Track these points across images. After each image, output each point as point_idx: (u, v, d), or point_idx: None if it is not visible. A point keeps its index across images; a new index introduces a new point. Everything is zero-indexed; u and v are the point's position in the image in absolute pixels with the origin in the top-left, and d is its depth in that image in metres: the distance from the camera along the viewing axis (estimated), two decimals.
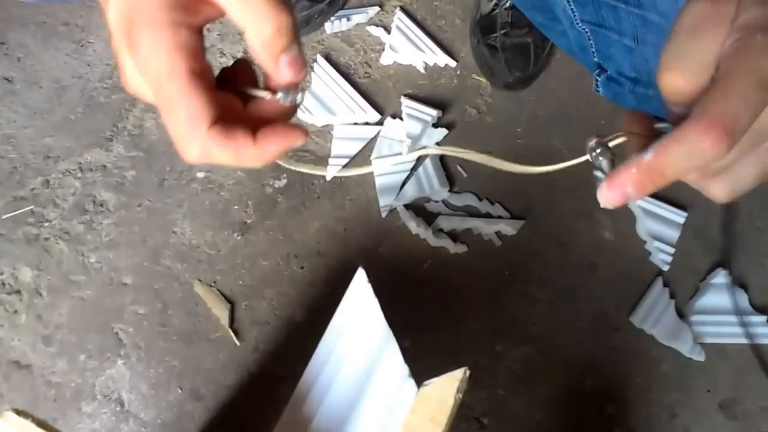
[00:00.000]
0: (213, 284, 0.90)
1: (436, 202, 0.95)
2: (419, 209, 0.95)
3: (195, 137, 0.30)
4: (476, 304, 0.89)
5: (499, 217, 0.93)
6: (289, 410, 0.43)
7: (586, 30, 0.63)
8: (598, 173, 0.31)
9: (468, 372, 0.39)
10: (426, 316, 0.89)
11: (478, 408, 0.84)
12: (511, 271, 0.91)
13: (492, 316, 0.89)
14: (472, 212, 0.95)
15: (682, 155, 0.29)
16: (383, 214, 0.94)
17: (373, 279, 0.90)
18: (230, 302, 0.89)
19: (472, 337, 0.88)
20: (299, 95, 0.33)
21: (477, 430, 0.83)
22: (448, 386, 0.38)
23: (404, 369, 0.39)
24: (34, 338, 0.88)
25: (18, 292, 0.90)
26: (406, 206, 0.94)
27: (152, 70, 0.29)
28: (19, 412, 0.50)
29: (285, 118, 0.35)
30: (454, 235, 0.92)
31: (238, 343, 0.87)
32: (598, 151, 0.31)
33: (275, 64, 0.32)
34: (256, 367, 0.86)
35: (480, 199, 0.95)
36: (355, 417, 0.39)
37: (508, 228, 0.92)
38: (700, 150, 0.28)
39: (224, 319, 0.88)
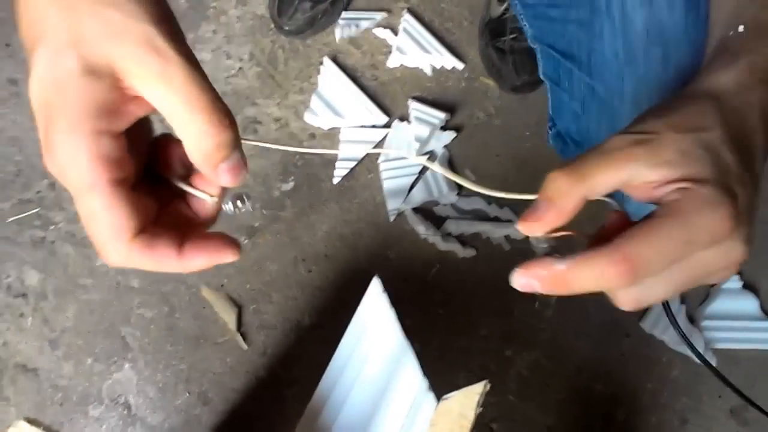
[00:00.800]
0: (220, 288, 0.90)
1: (445, 205, 0.95)
2: (427, 213, 0.94)
3: (116, 248, 0.29)
4: (485, 309, 0.89)
5: (508, 221, 0.92)
6: (304, 423, 0.42)
7: (546, 83, 0.65)
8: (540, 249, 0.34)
9: (488, 386, 0.38)
10: (435, 321, 0.88)
11: (488, 414, 0.83)
12: None
13: (502, 321, 0.88)
14: (480, 216, 0.94)
15: (589, 277, 0.31)
16: (391, 218, 0.93)
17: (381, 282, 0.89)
18: (237, 306, 0.89)
19: (481, 341, 0.87)
20: (246, 203, 0.31)
21: None
22: (468, 400, 0.38)
23: (423, 382, 0.38)
24: (41, 342, 0.87)
25: (24, 295, 0.89)
26: (414, 210, 0.93)
27: (71, 181, 0.28)
28: (30, 421, 0.49)
29: (213, 218, 0.35)
30: (462, 239, 0.92)
31: (245, 347, 0.86)
32: (539, 237, 0.33)
33: (213, 172, 0.31)
34: (263, 371, 0.85)
35: (489, 203, 0.94)
36: (373, 430, 0.39)
37: (517, 232, 0.91)
38: (606, 278, 0.31)
39: (231, 323, 0.87)
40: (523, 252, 0.92)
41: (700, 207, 0.31)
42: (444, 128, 0.99)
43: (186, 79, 0.29)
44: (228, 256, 0.32)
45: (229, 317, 0.87)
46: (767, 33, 0.35)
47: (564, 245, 0.91)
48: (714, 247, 0.32)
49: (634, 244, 0.31)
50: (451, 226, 0.92)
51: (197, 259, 0.31)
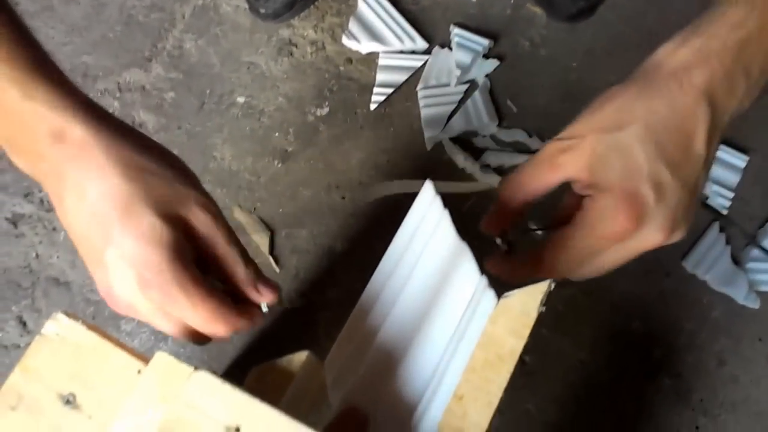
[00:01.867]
0: (253, 211, 0.89)
1: (484, 136, 0.91)
2: (466, 144, 0.91)
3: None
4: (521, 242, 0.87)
5: None
6: (351, 324, 0.41)
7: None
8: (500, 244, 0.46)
9: (554, 285, 0.37)
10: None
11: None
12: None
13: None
14: (520, 149, 0.91)
15: (526, 275, 0.41)
16: (428, 147, 0.90)
17: None
18: (270, 230, 0.87)
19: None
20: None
21: (519, 367, 0.81)
22: (531, 298, 0.36)
23: (483, 279, 0.36)
24: (73, 256, 0.87)
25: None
26: (452, 140, 0.91)
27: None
28: (69, 315, 0.49)
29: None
30: (501, 172, 0.89)
31: (278, 270, 0.85)
32: (499, 241, 0.46)
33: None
34: (295, 294, 0.84)
35: (530, 136, 0.91)
36: (428, 327, 0.37)
37: None
38: (537, 276, 0.40)
39: (264, 246, 0.86)
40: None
41: (598, 218, 0.37)
42: (486, 56, 0.95)
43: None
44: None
45: (261, 240, 0.86)
46: (727, 19, 0.36)
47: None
48: (625, 241, 0.37)
49: (550, 252, 0.39)
50: (490, 158, 0.89)
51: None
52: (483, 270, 0.39)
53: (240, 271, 0.40)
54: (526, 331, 0.34)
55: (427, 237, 0.41)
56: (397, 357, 0.37)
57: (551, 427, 0.80)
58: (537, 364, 0.82)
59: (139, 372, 0.46)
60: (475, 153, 0.90)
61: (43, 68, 0.35)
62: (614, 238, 0.36)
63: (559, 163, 0.38)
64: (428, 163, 0.90)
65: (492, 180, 0.88)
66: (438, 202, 0.42)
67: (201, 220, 0.38)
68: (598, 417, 0.80)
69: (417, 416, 0.34)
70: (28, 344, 0.83)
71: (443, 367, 0.35)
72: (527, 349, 0.81)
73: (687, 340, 0.83)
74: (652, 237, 0.36)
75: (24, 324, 0.85)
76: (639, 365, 0.82)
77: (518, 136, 0.91)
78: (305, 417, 0.33)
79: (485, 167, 0.89)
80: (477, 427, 0.33)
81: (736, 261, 0.84)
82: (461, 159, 0.88)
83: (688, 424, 0.79)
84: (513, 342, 0.34)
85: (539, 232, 0.47)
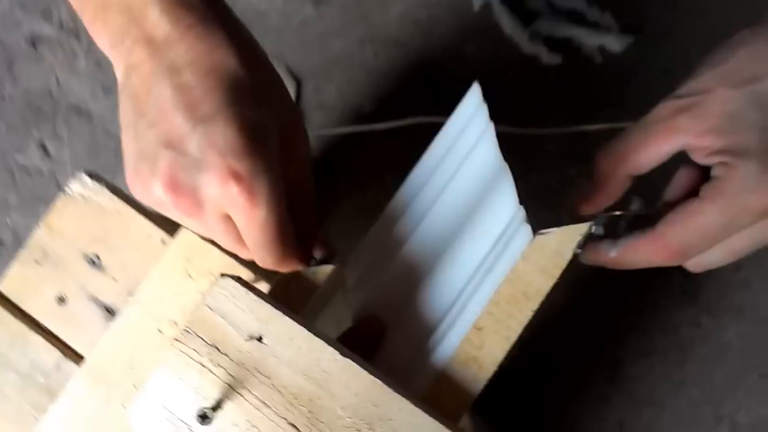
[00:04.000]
0: (281, 57, 0.84)
1: None
2: (517, 7, 0.83)
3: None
4: (557, 124, 0.83)
5: (607, 29, 0.82)
6: (379, 228, 0.40)
7: None
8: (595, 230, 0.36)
9: (594, 228, 0.35)
10: (498, 126, 0.83)
11: (537, 227, 0.82)
12: (605, 94, 0.83)
13: (571, 139, 0.82)
14: (576, 19, 0.83)
15: (638, 262, 0.36)
16: (476, 7, 0.83)
17: (451, 80, 0.82)
18: (297, 80, 0.83)
19: (546, 157, 0.83)
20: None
21: None
22: (567, 238, 0.34)
23: (520, 211, 0.35)
24: (93, 85, 0.85)
25: (76, 34, 0.85)
26: (503, 1, 0.82)
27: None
28: (92, 176, 0.48)
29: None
30: (550, 43, 0.82)
31: None
32: (595, 227, 0.36)
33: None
34: (318, 152, 0.83)
35: (589, 4, 0.82)
36: (456, 250, 0.36)
37: (614, 44, 0.81)
38: (653, 262, 0.35)
39: None
40: (617, 68, 0.82)
41: (740, 188, 0.31)
42: None
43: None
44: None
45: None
46: None
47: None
48: (766, 217, 0.31)
49: (673, 232, 0.33)
50: (543, 25, 0.82)
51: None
52: (521, 196, 0.36)
53: (313, 214, 0.37)
54: (558, 272, 0.33)
55: (467, 149, 0.38)
56: (422, 274, 0.37)
57: (556, 307, 0.82)
58: None
59: (163, 242, 0.46)
60: (526, 19, 0.82)
61: None
62: (760, 211, 0.31)
63: (679, 126, 0.32)
64: (472, 26, 0.83)
65: (539, 51, 0.81)
66: (484, 111, 0.38)
67: (300, 146, 0.35)
68: (602, 300, 0.82)
69: (435, 339, 0.35)
70: (51, 171, 0.84)
71: (467, 296, 0.34)
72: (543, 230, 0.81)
73: None
74: None
75: (45, 149, 0.85)
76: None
77: (575, 3, 0.83)
78: (325, 329, 0.34)
79: (534, 35, 0.82)
80: (492, 358, 0.33)
81: None
82: (509, 25, 0.81)
83: (691, 320, 0.81)
84: (542, 281, 0.33)
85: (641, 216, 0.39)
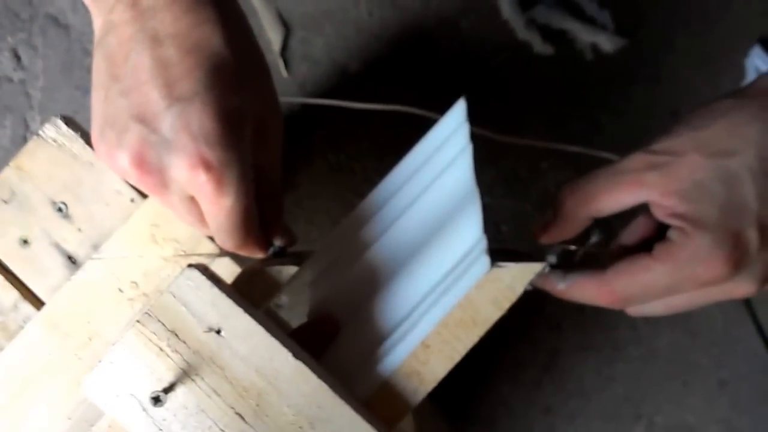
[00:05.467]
0: (272, 0, 0.81)
1: None
2: None
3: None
4: (537, 115, 0.84)
5: (603, 27, 0.82)
6: (346, 227, 0.41)
7: None
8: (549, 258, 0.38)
9: (548, 268, 0.37)
10: (480, 110, 0.83)
11: (500, 214, 0.84)
12: (589, 92, 0.84)
13: (550, 133, 0.84)
14: (574, 11, 0.83)
15: (584, 299, 0.37)
16: None
17: (441, 52, 0.82)
18: (286, 27, 0.82)
19: (520, 145, 0.84)
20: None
21: (493, 233, 0.84)
22: (521, 275, 0.36)
23: (483, 241, 0.36)
24: None
25: None
26: None
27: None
28: (68, 122, 0.47)
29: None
30: (545, 33, 0.82)
31: (285, 75, 0.82)
32: (552, 257, 0.38)
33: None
34: (298, 104, 0.82)
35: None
36: (417, 265, 0.38)
37: (607, 44, 0.81)
38: (597, 302, 0.36)
39: (276, 44, 0.81)
40: (605, 69, 0.83)
41: (690, 257, 0.32)
42: None
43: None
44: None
45: (275, 37, 0.81)
46: None
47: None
48: (709, 287, 0.33)
49: (619, 281, 0.34)
50: (540, 13, 0.81)
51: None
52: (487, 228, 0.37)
53: (278, 201, 0.37)
54: (507, 305, 0.35)
55: (443, 165, 0.39)
56: (381, 281, 0.38)
57: None
58: (510, 233, 0.85)
59: (132, 201, 0.47)
60: (525, 4, 0.82)
61: None
62: (704, 281, 0.32)
63: (646, 181, 0.33)
64: (471, 2, 0.82)
65: (533, 39, 0.81)
66: (465, 129, 0.39)
67: (274, 133, 0.35)
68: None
69: (384, 348, 0.37)
70: (21, 80, 0.82)
71: (420, 313, 0.36)
72: (506, 220, 0.83)
73: None
74: (744, 286, 0.33)
75: (18, 58, 0.82)
76: None
77: None
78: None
79: (531, 22, 0.81)
80: (434, 375, 0.36)
81: None
82: (507, 8, 0.80)
83: (629, 323, 0.86)
84: (491, 311, 0.35)
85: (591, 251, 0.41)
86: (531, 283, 0.38)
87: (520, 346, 0.80)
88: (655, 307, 0.36)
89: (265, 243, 0.36)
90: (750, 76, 0.81)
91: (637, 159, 0.34)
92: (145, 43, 0.30)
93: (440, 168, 0.39)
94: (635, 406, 0.80)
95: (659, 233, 0.36)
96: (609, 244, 0.39)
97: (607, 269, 0.35)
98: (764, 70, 0.77)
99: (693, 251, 0.32)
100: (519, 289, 0.36)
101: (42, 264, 0.47)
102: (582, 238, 0.39)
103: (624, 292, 0.34)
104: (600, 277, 0.35)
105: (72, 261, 0.47)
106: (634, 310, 0.37)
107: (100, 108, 0.32)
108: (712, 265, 0.31)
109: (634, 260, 0.34)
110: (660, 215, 0.34)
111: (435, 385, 0.35)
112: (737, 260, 0.31)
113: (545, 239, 0.39)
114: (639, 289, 0.34)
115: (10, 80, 0.81)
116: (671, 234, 0.33)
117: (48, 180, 0.47)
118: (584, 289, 0.36)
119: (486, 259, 0.36)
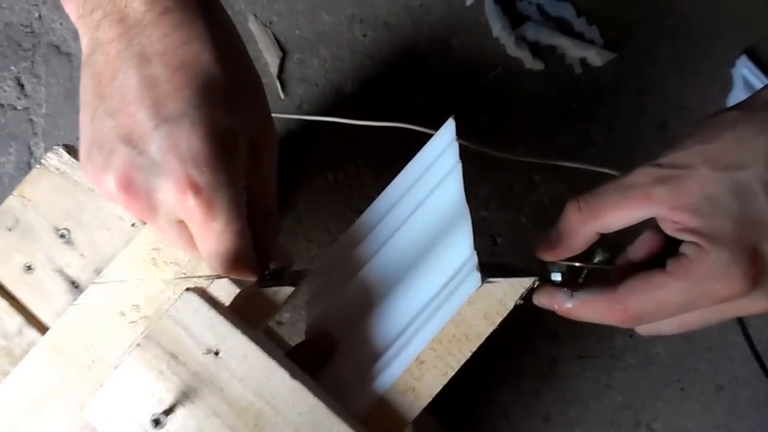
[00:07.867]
0: (268, 25, 0.83)
1: (530, 3, 0.84)
2: (508, 7, 0.84)
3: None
4: (529, 129, 0.85)
5: (591, 42, 0.83)
6: (341, 246, 0.42)
7: None
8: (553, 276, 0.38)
9: (537, 283, 0.38)
10: (474, 126, 0.85)
11: (496, 227, 0.85)
12: (579, 105, 0.85)
13: (542, 145, 0.85)
14: (564, 27, 0.84)
15: (593, 317, 0.36)
16: (467, 2, 0.83)
17: (434, 70, 0.83)
18: (283, 51, 0.83)
19: (515, 159, 0.85)
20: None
21: (489, 246, 0.85)
22: (512, 290, 0.37)
23: (473, 257, 0.37)
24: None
25: None
26: (496, 0, 0.83)
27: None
28: (70, 150, 0.49)
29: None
30: (535, 49, 0.84)
31: (282, 96, 0.83)
32: (556, 275, 0.38)
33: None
34: (296, 124, 0.84)
35: (578, 14, 0.83)
36: (410, 283, 0.39)
37: (596, 58, 0.83)
38: (607, 321, 0.35)
39: (273, 67, 0.83)
40: (594, 82, 0.84)
41: (708, 274, 0.31)
42: None
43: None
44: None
45: (271, 60, 0.83)
46: None
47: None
48: (725, 303, 0.32)
49: (633, 298, 0.33)
50: (530, 30, 0.83)
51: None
52: (478, 245, 0.37)
53: (273, 223, 0.36)
54: (499, 320, 0.36)
55: (433, 184, 0.41)
56: (376, 300, 0.39)
57: None
58: (507, 246, 0.86)
59: (133, 225, 0.48)
60: (515, 21, 0.83)
61: None
62: (722, 298, 0.31)
63: (654, 196, 0.32)
64: (462, 20, 0.84)
65: (523, 55, 0.83)
66: (454, 148, 0.40)
67: (269, 154, 0.34)
68: None
69: (380, 365, 0.38)
70: (25, 107, 0.83)
71: (414, 330, 0.37)
72: (502, 233, 0.84)
73: None
74: (760, 303, 0.32)
75: (22, 86, 0.83)
76: None
77: (565, 12, 0.84)
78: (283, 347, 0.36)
79: (520, 40, 0.83)
80: (429, 390, 0.37)
81: None
82: (497, 26, 0.82)
83: (625, 330, 0.87)
84: (483, 326, 0.36)
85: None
86: (539, 304, 0.38)
87: (519, 356, 0.81)
88: (668, 325, 0.35)
89: (259, 266, 0.36)
90: (737, 85, 0.82)
91: (644, 173, 0.33)
92: (132, 61, 0.29)
93: (431, 187, 0.41)
94: (634, 413, 0.81)
95: (667, 248, 0.34)
96: (616, 260, 0.38)
97: (617, 286, 0.34)
98: (751, 80, 0.79)
99: (710, 267, 0.31)
100: (510, 304, 0.37)
101: (46, 289, 0.48)
102: (586, 255, 0.38)
103: (637, 309, 0.33)
104: (611, 294, 0.34)
105: (75, 286, 0.48)
106: (646, 329, 0.36)
107: (87, 129, 0.31)
108: (730, 281, 0.31)
109: (647, 277, 0.33)
110: (670, 230, 0.33)
111: (430, 400, 0.36)
112: (755, 276, 0.31)
113: (549, 257, 0.38)
114: (654, 306, 0.33)
115: (14, 108, 0.83)
116: (685, 249, 0.32)
117: (51, 207, 0.48)
118: (594, 308, 0.35)
119: (477, 275, 0.37)
